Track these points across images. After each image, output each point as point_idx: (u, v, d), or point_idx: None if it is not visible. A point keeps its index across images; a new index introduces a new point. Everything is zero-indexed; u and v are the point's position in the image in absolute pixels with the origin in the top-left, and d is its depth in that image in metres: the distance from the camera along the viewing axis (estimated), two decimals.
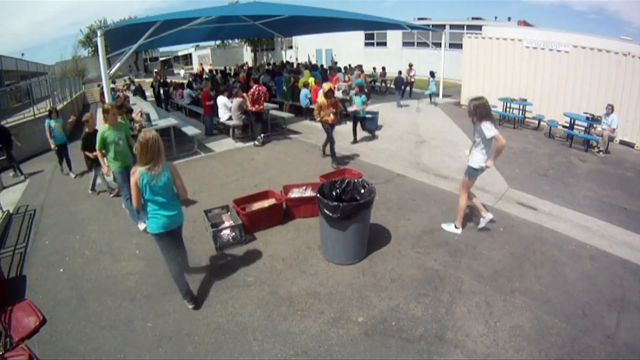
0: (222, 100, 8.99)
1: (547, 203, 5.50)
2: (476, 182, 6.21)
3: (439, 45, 15.74)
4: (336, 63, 18.76)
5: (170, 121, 8.31)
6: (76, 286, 3.93)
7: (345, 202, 3.91)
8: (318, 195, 4.04)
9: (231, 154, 8.13)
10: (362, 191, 4.30)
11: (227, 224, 4.68)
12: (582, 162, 7.44)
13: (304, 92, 10.59)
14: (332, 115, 6.78)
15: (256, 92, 8.17)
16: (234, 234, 4.46)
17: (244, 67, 17.99)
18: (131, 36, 8.40)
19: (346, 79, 12.31)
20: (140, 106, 9.60)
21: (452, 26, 19.68)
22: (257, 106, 8.23)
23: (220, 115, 9.14)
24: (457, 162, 7.24)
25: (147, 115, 8.14)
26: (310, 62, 21.86)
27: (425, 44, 17.16)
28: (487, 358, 2.90)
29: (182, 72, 32.17)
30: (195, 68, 27.67)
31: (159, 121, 8.24)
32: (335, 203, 3.82)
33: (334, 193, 4.36)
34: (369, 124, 9.49)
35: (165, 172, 3.21)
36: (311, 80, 11.14)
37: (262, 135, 8.58)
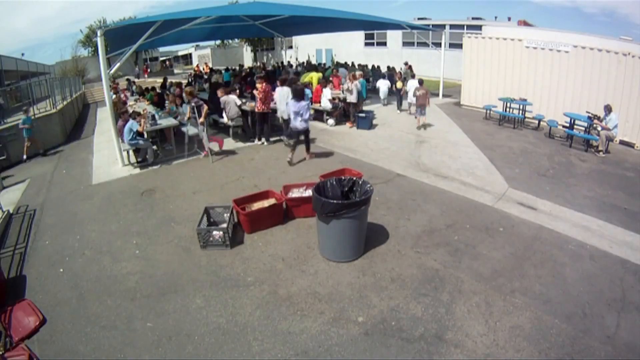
0: (232, 98, 8.82)
1: (547, 203, 5.51)
2: (476, 182, 6.26)
3: (439, 45, 15.72)
4: (338, 64, 18.66)
5: (170, 121, 8.31)
6: (76, 286, 3.93)
7: (336, 201, 3.96)
8: (314, 191, 4.06)
9: (231, 154, 8.12)
10: (359, 191, 4.33)
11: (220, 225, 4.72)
12: (582, 162, 7.44)
13: (305, 92, 10.56)
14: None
15: (261, 91, 8.11)
16: (220, 233, 4.46)
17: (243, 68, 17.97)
18: (131, 36, 8.39)
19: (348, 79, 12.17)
20: (145, 107, 9.60)
21: (452, 26, 19.64)
22: (264, 107, 8.17)
23: (225, 115, 8.99)
24: (457, 162, 7.25)
25: (152, 115, 8.15)
26: (310, 62, 21.84)
27: (425, 44, 17.14)
28: (487, 358, 2.90)
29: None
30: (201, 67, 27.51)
31: (161, 121, 8.24)
32: (323, 199, 3.86)
33: (340, 191, 4.40)
34: (360, 122, 9.55)
35: None
36: (314, 78, 11.04)
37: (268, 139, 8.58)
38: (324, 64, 19.43)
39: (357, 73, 10.96)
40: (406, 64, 15.83)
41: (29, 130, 9.07)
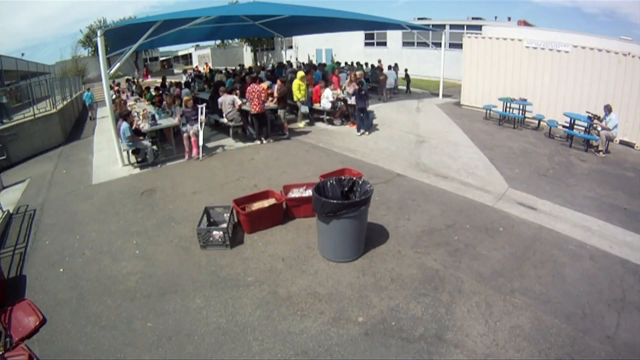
0: (229, 98, 8.80)
1: (547, 203, 5.51)
2: (476, 182, 6.26)
3: (439, 45, 15.73)
4: (339, 63, 18.60)
5: (170, 121, 8.31)
6: (76, 286, 3.93)
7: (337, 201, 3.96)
8: (314, 191, 4.06)
9: (231, 154, 8.13)
10: (359, 191, 4.33)
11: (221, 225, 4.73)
12: (582, 162, 7.44)
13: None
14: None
15: (251, 92, 8.12)
16: (220, 233, 4.46)
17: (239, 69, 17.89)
18: (131, 36, 8.39)
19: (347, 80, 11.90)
20: (145, 107, 9.61)
21: (452, 26, 19.64)
22: (253, 107, 8.20)
23: (224, 115, 8.98)
24: (457, 162, 7.25)
25: (152, 115, 8.16)
26: (310, 62, 21.83)
27: (425, 44, 17.14)
28: (487, 358, 2.90)
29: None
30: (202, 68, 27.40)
31: (161, 121, 8.25)
32: (323, 199, 3.86)
33: (340, 191, 4.40)
34: (360, 123, 9.48)
35: None
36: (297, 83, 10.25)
37: (266, 138, 8.60)
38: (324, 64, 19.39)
39: (358, 73, 10.93)
40: (379, 61, 16.14)
41: (89, 101, 14.26)
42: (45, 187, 6.99)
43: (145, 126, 7.73)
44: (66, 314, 3.53)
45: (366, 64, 16.91)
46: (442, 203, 5.50)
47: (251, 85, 8.33)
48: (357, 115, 9.19)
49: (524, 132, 9.60)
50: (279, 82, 9.10)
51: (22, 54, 25.80)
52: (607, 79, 8.86)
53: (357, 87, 8.97)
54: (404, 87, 15.69)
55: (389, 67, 15.31)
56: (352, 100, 9.73)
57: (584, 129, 8.53)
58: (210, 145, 8.75)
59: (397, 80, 15.14)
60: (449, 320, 3.27)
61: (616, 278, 3.83)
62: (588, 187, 6.12)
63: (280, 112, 8.93)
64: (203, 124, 7.91)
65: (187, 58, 43.06)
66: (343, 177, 4.53)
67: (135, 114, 8.24)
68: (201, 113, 7.92)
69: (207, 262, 4.23)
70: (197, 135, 7.77)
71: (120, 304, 3.62)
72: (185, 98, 8.39)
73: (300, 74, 9.98)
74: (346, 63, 17.53)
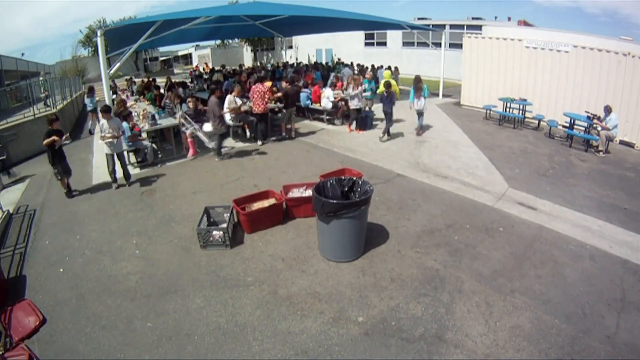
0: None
1: (547, 203, 5.51)
2: (476, 182, 6.26)
3: (439, 45, 15.73)
4: (338, 64, 18.58)
5: (171, 121, 8.30)
6: (76, 286, 3.93)
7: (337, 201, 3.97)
8: (314, 191, 4.07)
9: (231, 154, 8.12)
10: (359, 191, 4.34)
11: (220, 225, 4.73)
12: (582, 162, 7.44)
13: (304, 92, 10.57)
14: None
15: (254, 91, 8.13)
16: (220, 233, 4.46)
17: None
18: (131, 36, 8.41)
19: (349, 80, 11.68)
20: (145, 107, 9.60)
21: (452, 26, 19.64)
22: (256, 107, 8.21)
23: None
24: (457, 162, 7.25)
25: (152, 115, 8.15)
26: (309, 62, 21.84)
27: (425, 44, 17.15)
28: (487, 358, 2.90)
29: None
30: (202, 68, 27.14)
31: (161, 121, 8.24)
32: (323, 199, 3.87)
33: (340, 191, 4.40)
34: (360, 122, 9.45)
35: None
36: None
37: (266, 139, 8.59)
38: (327, 64, 19.37)
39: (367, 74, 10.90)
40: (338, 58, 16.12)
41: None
42: (45, 187, 6.99)
43: (145, 126, 7.72)
44: (66, 314, 3.53)
45: (350, 64, 16.77)
46: (442, 203, 5.50)
47: (255, 85, 8.33)
48: (387, 118, 8.60)
49: (524, 132, 9.60)
50: (284, 83, 9.12)
51: (22, 54, 25.84)
52: (607, 79, 8.86)
53: (386, 90, 8.53)
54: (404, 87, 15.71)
55: (380, 67, 15.35)
56: (354, 101, 9.56)
57: (584, 129, 8.53)
58: (210, 145, 8.72)
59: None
60: (449, 320, 3.27)
61: (616, 278, 3.83)
62: (588, 187, 6.12)
63: (282, 113, 8.95)
64: (196, 129, 7.75)
65: (187, 58, 43.00)
66: (343, 177, 4.53)
67: (135, 114, 8.24)
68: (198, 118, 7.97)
69: (207, 262, 4.23)
70: (193, 137, 7.76)
71: (120, 304, 3.62)
72: (189, 101, 8.42)
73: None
74: (351, 63, 17.49)
